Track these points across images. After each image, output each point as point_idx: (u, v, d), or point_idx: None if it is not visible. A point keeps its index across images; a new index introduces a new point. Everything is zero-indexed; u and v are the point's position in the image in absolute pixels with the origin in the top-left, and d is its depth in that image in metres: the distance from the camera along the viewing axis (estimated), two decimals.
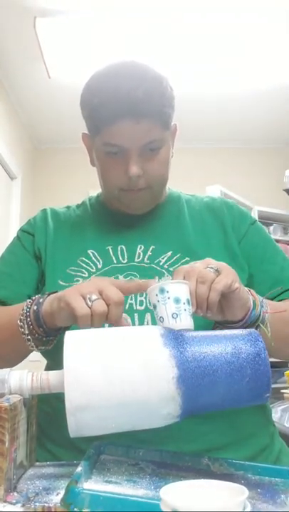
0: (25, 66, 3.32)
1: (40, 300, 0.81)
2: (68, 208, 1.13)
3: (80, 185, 4.37)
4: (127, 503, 0.52)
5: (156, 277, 0.92)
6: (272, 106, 3.88)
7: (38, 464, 0.76)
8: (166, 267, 0.95)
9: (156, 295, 0.75)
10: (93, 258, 0.98)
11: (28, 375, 0.67)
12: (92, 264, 0.97)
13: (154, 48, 2.99)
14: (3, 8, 2.76)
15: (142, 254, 0.98)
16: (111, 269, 0.95)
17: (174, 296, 0.74)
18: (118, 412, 0.63)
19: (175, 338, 0.66)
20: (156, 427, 0.67)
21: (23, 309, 0.82)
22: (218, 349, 0.66)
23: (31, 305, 0.81)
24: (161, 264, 0.95)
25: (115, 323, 0.74)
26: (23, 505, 0.58)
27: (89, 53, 3.05)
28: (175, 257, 0.96)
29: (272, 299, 0.97)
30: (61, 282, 0.94)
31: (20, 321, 0.81)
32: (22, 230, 1.09)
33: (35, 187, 4.32)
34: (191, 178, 3.74)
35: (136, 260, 0.97)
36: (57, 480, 0.67)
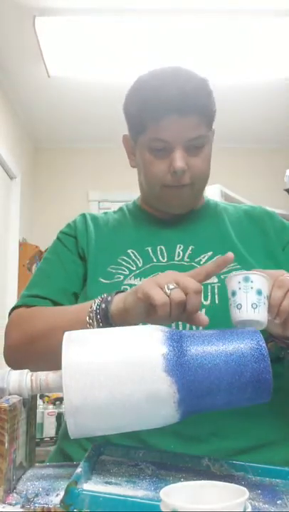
0: (25, 65, 3.32)
1: (109, 298, 0.81)
2: (106, 213, 1.16)
3: (80, 185, 4.38)
4: (126, 504, 0.52)
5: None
6: (272, 106, 3.88)
7: (37, 464, 0.76)
8: None
9: (239, 282, 0.75)
10: (133, 257, 0.99)
11: (27, 375, 0.67)
12: (132, 263, 0.98)
13: (154, 47, 2.99)
14: (2, 7, 2.75)
15: (181, 253, 0.99)
16: (151, 267, 0.97)
17: (257, 288, 0.74)
18: (117, 412, 0.62)
19: (175, 338, 0.66)
20: (156, 427, 0.67)
21: (91, 307, 0.81)
22: (217, 349, 0.65)
23: (100, 303, 0.81)
24: (202, 262, 0.96)
25: (194, 312, 0.74)
26: (22, 506, 0.58)
27: (89, 52, 3.05)
28: (216, 257, 0.95)
29: None
30: (102, 280, 0.96)
31: (89, 318, 0.80)
32: (63, 233, 1.10)
33: (35, 187, 4.32)
34: None
35: (176, 259, 0.98)
36: (56, 481, 0.67)
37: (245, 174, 4.44)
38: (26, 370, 0.67)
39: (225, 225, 1.05)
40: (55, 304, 0.97)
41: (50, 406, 2.98)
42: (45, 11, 2.77)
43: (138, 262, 0.98)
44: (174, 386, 0.62)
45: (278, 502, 0.60)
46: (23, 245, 3.77)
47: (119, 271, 0.97)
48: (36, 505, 0.58)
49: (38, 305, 0.97)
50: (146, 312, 0.75)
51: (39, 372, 0.67)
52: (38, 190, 4.34)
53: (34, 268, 3.80)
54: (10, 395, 0.66)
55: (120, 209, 1.16)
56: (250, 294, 0.74)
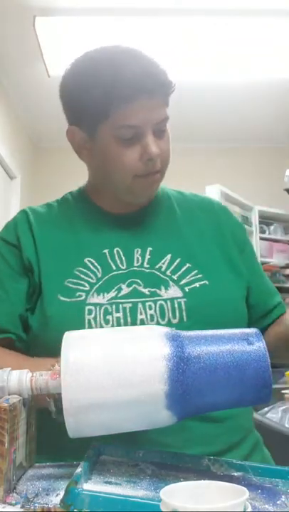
0: (25, 65, 3.32)
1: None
2: (49, 205, 1.03)
3: (80, 184, 4.37)
4: (126, 504, 0.52)
5: None
6: (272, 105, 3.88)
7: (37, 464, 0.76)
8: (168, 273, 0.91)
9: None
10: (91, 267, 0.91)
11: (27, 375, 0.67)
12: (90, 274, 0.91)
13: (154, 47, 2.99)
14: (2, 8, 2.76)
15: (140, 258, 0.93)
16: (112, 277, 0.90)
17: None
18: (115, 412, 0.62)
19: (176, 338, 0.66)
20: (156, 427, 0.67)
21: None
22: (217, 349, 0.65)
23: None
24: (162, 270, 0.91)
25: None
26: (22, 506, 0.58)
27: None
28: (176, 263, 0.92)
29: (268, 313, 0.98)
30: (62, 298, 0.88)
31: None
32: (1, 239, 0.97)
33: (34, 187, 4.32)
34: (191, 178, 3.74)
35: (135, 264, 0.92)
36: (56, 481, 0.67)
37: (245, 174, 4.44)
38: (26, 370, 0.67)
39: (179, 221, 1.00)
40: (1, 331, 0.89)
41: None
42: (45, 11, 2.78)
43: (97, 273, 0.90)
44: (174, 388, 0.62)
45: (278, 502, 0.60)
46: None
47: (80, 286, 0.89)
48: (36, 505, 0.58)
49: None
50: None
51: (39, 372, 0.67)
52: (38, 190, 4.33)
53: None
54: (10, 394, 0.66)
55: (65, 199, 1.04)
56: None
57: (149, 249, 0.94)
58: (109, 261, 0.92)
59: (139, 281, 0.90)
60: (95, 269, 0.91)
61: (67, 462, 0.73)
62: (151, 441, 0.77)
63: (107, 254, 0.93)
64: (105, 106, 0.86)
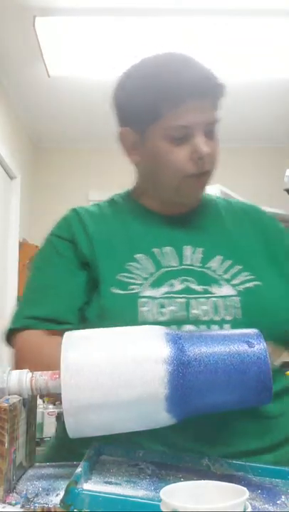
0: (25, 65, 3.32)
1: None
2: (97, 205, 1.06)
3: (80, 185, 4.37)
4: (126, 504, 0.52)
5: None
6: (271, 105, 3.87)
7: (37, 464, 0.76)
8: (220, 273, 0.92)
9: None
10: (142, 263, 0.93)
11: (27, 375, 0.67)
12: (142, 270, 0.92)
13: (154, 47, 2.99)
14: (2, 7, 2.75)
15: (191, 256, 0.95)
16: (164, 273, 0.92)
17: None
18: (115, 412, 0.62)
19: (177, 339, 0.66)
20: (155, 427, 0.66)
21: None
22: (217, 352, 0.65)
23: None
24: (214, 269, 0.93)
25: None
26: (22, 506, 0.58)
27: (89, 52, 3.05)
28: (227, 264, 0.93)
29: None
30: (116, 290, 0.89)
31: None
32: (56, 236, 1.00)
33: (34, 187, 4.32)
34: None
35: (185, 263, 0.94)
36: (56, 481, 0.67)
37: (245, 174, 4.43)
38: (26, 370, 0.67)
39: (227, 226, 1.02)
40: (61, 323, 0.90)
41: (50, 406, 2.98)
42: (45, 11, 2.77)
43: (149, 268, 0.92)
44: (174, 391, 0.62)
45: (278, 502, 0.60)
46: (23, 245, 3.76)
47: (131, 280, 0.91)
48: (36, 505, 0.58)
49: (43, 329, 0.90)
50: None
51: (39, 372, 0.67)
52: (38, 190, 4.34)
53: None
54: (10, 394, 0.66)
55: (112, 201, 1.06)
56: None
57: (201, 249, 0.96)
58: (161, 258, 0.94)
59: (191, 278, 0.91)
60: (146, 265, 0.93)
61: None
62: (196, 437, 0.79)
63: (159, 251, 0.95)
64: (159, 106, 0.90)
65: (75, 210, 1.03)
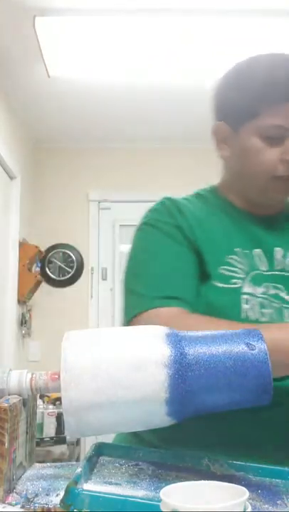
0: (25, 65, 3.32)
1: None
2: (186, 198, 1.03)
3: (80, 185, 4.37)
4: (126, 504, 0.52)
5: None
6: None
7: (37, 464, 0.76)
8: None
9: None
10: (241, 257, 0.92)
11: (27, 375, 0.67)
12: (241, 265, 0.91)
13: (154, 47, 2.99)
14: (2, 7, 2.75)
15: (282, 260, 0.94)
16: (257, 275, 0.91)
17: None
18: (115, 413, 0.62)
19: (176, 342, 0.65)
20: (155, 427, 0.66)
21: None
22: (217, 354, 0.65)
23: None
24: None
25: None
26: (22, 506, 0.58)
27: (89, 53, 3.05)
28: None
29: None
30: (218, 283, 0.89)
31: None
32: (161, 222, 0.96)
33: (34, 187, 4.32)
34: (191, 178, 3.74)
35: (277, 268, 0.93)
36: (56, 481, 0.67)
37: None
38: (26, 370, 0.67)
39: None
40: (189, 304, 0.88)
41: (50, 406, 2.98)
42: (45, 11, 2.77)
43: (244, 266, 0.91)
44: (174, 395, 0.62)
45: (278, 502, 0.60)
46: (23, 245, 3.76)
47: (233, 273, 0.90)
48: (36, 505, 0.58)
49: (179, 307, 0.86)
50: None
51: (38, 373, 0.67)
52: (38, 190, 4.33)
53: (34, 268, 3.79)
54: (10, 395, 0.66)
55: (199, 195, 1.05)
56: None
57: None
58: (255, 258, 0.93)
59: (280, 285, 0.91)
60: (242, 262, 0.92)
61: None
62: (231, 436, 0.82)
63: (251, 253, 0.94)
64: (257, 104, 0.91)
65: (169, 199, 1.00)
